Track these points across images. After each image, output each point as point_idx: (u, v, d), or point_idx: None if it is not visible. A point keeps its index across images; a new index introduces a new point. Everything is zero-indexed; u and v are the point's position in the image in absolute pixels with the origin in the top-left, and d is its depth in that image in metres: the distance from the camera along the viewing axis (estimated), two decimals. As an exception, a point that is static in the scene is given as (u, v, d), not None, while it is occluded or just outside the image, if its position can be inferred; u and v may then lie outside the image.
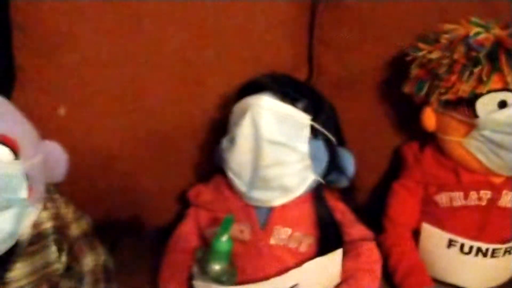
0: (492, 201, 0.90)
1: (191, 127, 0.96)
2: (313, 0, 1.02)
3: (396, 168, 1.01)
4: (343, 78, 1.03)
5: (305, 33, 1.03)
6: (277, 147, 0.79)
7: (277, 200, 0.83)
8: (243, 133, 0.79)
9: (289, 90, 0.82)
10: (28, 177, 0.75)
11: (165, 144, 0.97)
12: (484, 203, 0.90)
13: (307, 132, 0.81)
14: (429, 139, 0.96)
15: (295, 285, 0.82)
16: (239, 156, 0.81)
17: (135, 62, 0.95)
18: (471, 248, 0.90)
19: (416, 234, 0.95)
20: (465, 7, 0.97)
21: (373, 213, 0.98)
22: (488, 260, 0.90)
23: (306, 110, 0.82)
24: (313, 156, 0.83)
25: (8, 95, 0.89)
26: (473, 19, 0.89)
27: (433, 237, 0.92)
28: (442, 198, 0.93)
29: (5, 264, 0.78)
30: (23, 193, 0.75)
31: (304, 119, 0.81)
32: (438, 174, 0.93)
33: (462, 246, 0.90)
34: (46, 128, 0.84)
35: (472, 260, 0.90)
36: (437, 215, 0.94)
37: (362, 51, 1.01)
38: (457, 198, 0.92)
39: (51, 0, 0.94)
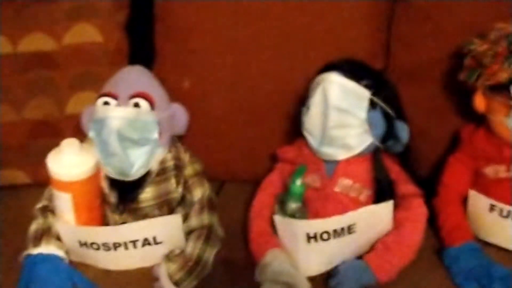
0: (530, 174, 1.06)
1: (282, 100, 1.21)
2: (390, 1, 1.23)
3: (453, 146, 1.18)
4: (413, 69, 1.23)
5: (383, 30, 1.24)
6: (340, 113, 1.01)
7: (341, 155, 1.06)
8: (315, 100, 1.03)
9: (355, 71, 1.04)
10: (159, 125, 1.05)
11: (261, 113, 1.23)
12: (523, 175, 1.06)
13: (366, 103, 1.02)
14: (483, 122, 1.13)
15: (353, 224, 1.03)
16: (312, 119, 1.05)
17: (242, 48, 1.22)
18: (509, 212, 1.05)
19: (465, 200, 1.12)
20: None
21: (432, 185, 1.16)
22: (524, 224, 1.06)
23: (367, 86, 1.03)
24: (371, 124, 1.04)
25: (150, 69, 1.19)
26: (522, 19, 1.06)
27: (478, 202, 1.08)
28: (490, 170, 1.09)
29: (139, 187, 1.08)
30: (155, 135, 1.04)
31: (364, 93, 1.03)
32: (485, 149, 1.09)
33: (501, 210, 1.05)
34: (174, 95, 1.14)
35: (510, 223, 1.05)
36: (484, 184, 1.09)
37: (429, 46, 1.20)
38: (501, 171, 1.08)
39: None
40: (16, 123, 1.27)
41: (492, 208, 1.07)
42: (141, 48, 1.31)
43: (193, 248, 1.05)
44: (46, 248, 1.05)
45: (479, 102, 1.09)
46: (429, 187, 1.14)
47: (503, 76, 1.01)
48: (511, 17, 1.06)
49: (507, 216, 1.06)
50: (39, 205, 1.12)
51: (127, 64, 1.27)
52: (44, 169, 1.22)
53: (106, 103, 1.03)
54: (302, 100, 1.12)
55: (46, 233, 1.07)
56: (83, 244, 1.06)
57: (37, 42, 1.26)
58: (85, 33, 1.27)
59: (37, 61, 1.26)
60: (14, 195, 1.28)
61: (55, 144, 1.09)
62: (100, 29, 1.27)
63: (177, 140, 1.14)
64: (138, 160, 1.04)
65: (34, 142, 1.27)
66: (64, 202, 1.06)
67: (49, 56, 1.26)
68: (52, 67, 1.26)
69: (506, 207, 1.05)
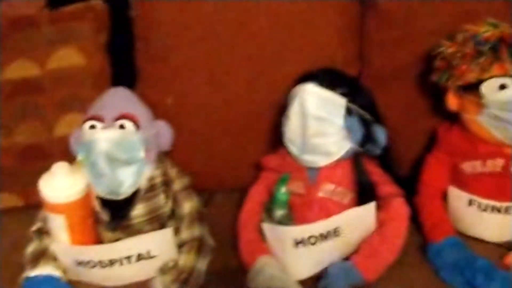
0: (505, 168, 1.09)
1: (262, 110, 1.25)
2: (362, 9, 1.27)
3: (431, 145, 1.23)
4: (387, 73, 1.27)
5: (356, 37, 1.28)
6: (319, 121, 1.05)
7: (322, 162, 1.10)
8: (294, 111, 1.07)
9: (331, 80, 1.08)
10: (145, 143, 1.09)
11: (243, 124, 1.27)
12: (498, 169, 1.10)
13: (342, 111, 1.07)
14: (457, 120, 1.17)
15: (338, 227, 1.07)
16: (292, 128, 1.09)
17: (221, 63, 1.25)
18: (487, 205, 1.09)
19: (445, 196, 1.16)
20: (489, 8, 1.16)
21: (413, 183, 1.20)
22: (502, 216, 1.09)
23: (343, 94, 1.07)
24: (349, 130, 1.08)
25: (131, 88, 1.23)
26: (488, 19, 1.10)
27: (457, 197, 1.13)
28: (466, 166, 1.13)
29: (130, 205, 1.12)
30: (142, 154, 1.08)
31: (340, 101, 1.07)
32: (461, 146, 1.13)
33: (479, 204, 1.10)
34: (158, 112, 1.18)
35: (489, 216, 1.10)
36: (463, 180, 1.14)
37: (401, 50, 1.24)
38: (478, 166, 1.12)
39: (165, 16, 1.26)
40: (6, 148, 1.30)
41: (471, 202, 1.11)
42: (123, 68, 1.34)
43: (185, 260, 1.08)
44: (44, 269, 1.08)
45: (452, 101, 1.14)
46: (409, 185, 1.18)
47: (471, 76, 1.06)
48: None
49: (485, 210, 1.10)
50: (34, 228, 1.15)
51: (110, 84, 1.30)
52: (36, 192, 1.26)
53: (92, 126, 1.07)
54: (281, 110, 1.16)
55: (43, 255, 1.10)
56: (80, 263, 1.09)
57: (22, 69, 1.29)
58: (68, 57, 1.30)
59: (23, 86, 1.29)
60: (8, 218, 1.31)
61: (45, 166, 1.12)
62: (82, 52, 1.30)
63: (164, 156, 1.18)
64: (127, 179, 1.08)
65: (25, 165, 1.30)
66: (58, 223, 1.09)
67: (34, 81, 1.29)
68: (38, 91, 1.29)
69: (484, 201, 1.10)
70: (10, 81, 1.29)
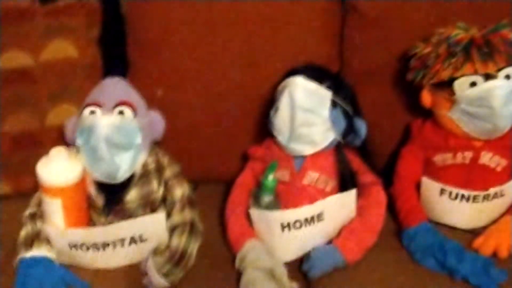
0: (474, 160, 1.18)
1: (249, 104, 1.32)
2: (342, 12, 1.36)
3: (406, 139, 1.31)
4: (366, 71, 1.35)
5: (337, 37, 1.37)
6: (306, 112, 1.13)
7: (307, 150, 1.17)
8: (283, 102, 1.14)
9: (317, 74, 1.16)
10: (141, 130, 1.14)
11: (230, 117, 1.34)
12: (467, 161, 1.19)
13: (328, 103, 1.15)
14: (430, 116, 1.26)
15: (321, 212, 1.14)
16: (280, 119, 1.16)
17: (211, 57, 1.31)
18: (457, 194, 1.18)
19: (418, 186, 1.25)
20: (461, 12, 1.26)
21: (389, 175, 1.29)
22: (471, 205, 1.17)
23: (328, 88, 1.15)
24: (333, 121, 1.16)
25: (122, 81, 1.28)
26: (459, 23, 1.20)
27: (429, 187, 1.21)
28: (438, 159, 1.22)
29: (125, 189, 1.16)
30: (139, 140, 1.13)
31: (326, 94, 1.15)
32: (433, 140, 1.22)
33: (450, 193, 1.18)
34: (148, 103, 1.23)
35: (459, 204, 1.18)
36: (434, 171, 1.22)
37: (379, 50, 1.32)
38: (448, 158, 1.21)
39: (155, 12, 1.32)
40: (-2, 136, 1.33)
41: (442, 192, 1.20)
42: (114, 61, 1.39)
43: (178, 242, 1.13)
44: (38, 251, 1.12)
45: (426, 98, 1.23)
46: (385, 176, 1.27)
47: (445, 74, 1.15)
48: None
49: (455, 198, 1.19)
50: (27, 212, 1.18)
51: (102, 77, 1.34)
52: (26, 180, 1.30)
53: (92, 112, 1.11)
54: (268, 103, 1.24)
55: (36, 238, 1.14)
56: (73, 246, 1.13)
57: (15, 59, 1.32)
58: (61, 49, 1.34)
59: (17, 76, 1.32)
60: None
61: (36, 155, 1.16)
62: (74, 45, 1.34)
63: (156, 145, 1.23)
64: (124, 164, 1.12)
65: (16, 154, 1.33)
66: (54, 207, 1.12)
67: (28, 71, 1.33)
68: (31, 82, 1.33)
69: (455, 190, 1.18)
70: (3, 71, 1.32)
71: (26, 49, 1.33)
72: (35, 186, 1.20)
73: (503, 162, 1.19)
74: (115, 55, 1.38)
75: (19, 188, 1.33)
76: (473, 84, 1.13)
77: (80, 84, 1.33)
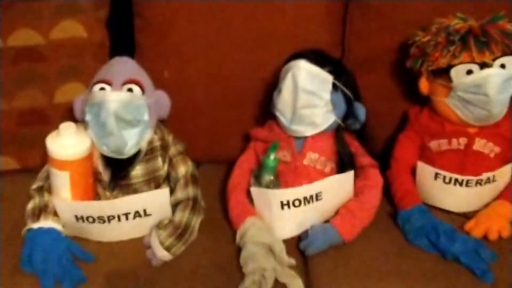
0: (468, 146, 1.23)
1: (252, 87, 1.37)
2: (346, 0, 1.40)
3: (403, 125, 1.36)
4: (366, 58, 1.40)
5: (340, 25, 1.41)
6: (308, 94, 1.17)
7: (308, 132, 1.21)
8: (286, 84, 1.18)
9: (319, 58, 1.20)
10: (148, 108, 1.18)
11: (234, 99, 1.38)
12: (462, 147, 1.23)
13: (329, 86, 1.19)
14: (427, 103, 1.30)
15: (320, 192, 1.18)
16: (283, 100, 1.20)
17: (216, 41, 1.36)
18: (450, 179, 1.22)
19: (414, 171, 1.29)
20: (461, 3, 1.30)
21: (386, 159, 1.34)
22: (464, 189, 1.22)
23: (330, 72, 1.19)
24: (334, 104, 1.20)
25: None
26: (458, 14, 1.24)
27: (424, 171, 1.25)
28: (434, 144, 1.27)
29: (131, 165, 1.20)
30: (146, 117, 1.17)
31: (328, 78, 1.19)
32: (429, 126, 1.27)
33: (444, 177, 1.22)
34: (154, 84, 1.26)
35: (452, 188, 1.22)
36: (430, 156, 1.27)
37: (380, 38, 1.37)
38: (444, 144, 1.26)
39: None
40: (6, 112, 1.36)
41: (436, 176, 1.24)
42: (121, 42, 1.43)
43: (181, 216, 1.17)
44: (45, 223, 1.16)
45: (424, 85, 1.27)
46: (382, 161, 1.31)
47: (443, 62, 1.19)
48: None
49: (449, 183, 1.23)
50: (35, 186, 1.22)
51: (109, 57, 1.38)
52: (33, 156, 1.33)
53: (102, 88, 1.15)
54: (272, 86, 1.28)
55: (43, 210, 1.17)
56: (79, 218, 1.16)
57: (25, 37, 1.36)
58: (70, 29, 1.38)
59: (26, 54, 1.36)
60: (5, 181, 1.36)
61: (43, 131, 1.19)
62: (83, 25, 1.38)
63: (161, 123, 1.27)
64: (131, 139, 1.16)
65: (24, 130, 1.36)
66: (62, 179, 1.16)
67: (37, 50, 1.37)
68: (40, 60, 1.36)
69: (449, 174, 1.22)
70: (13, 48, 1.36)
71: (37, 27, 1.36)
72: (42, 161, 1.24)
73: (496, 149, 1.23)
74: (122, 37, 1.42)
75: (26, 163, 1.37)
76: (469, 72, 1.17)
77: (88, 63, 1.37)
